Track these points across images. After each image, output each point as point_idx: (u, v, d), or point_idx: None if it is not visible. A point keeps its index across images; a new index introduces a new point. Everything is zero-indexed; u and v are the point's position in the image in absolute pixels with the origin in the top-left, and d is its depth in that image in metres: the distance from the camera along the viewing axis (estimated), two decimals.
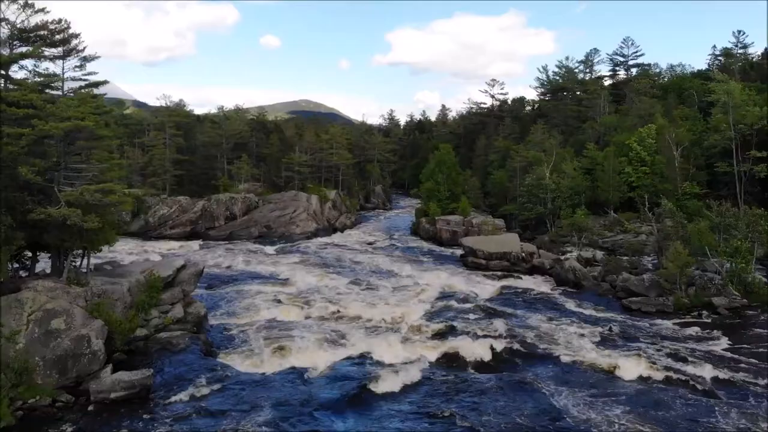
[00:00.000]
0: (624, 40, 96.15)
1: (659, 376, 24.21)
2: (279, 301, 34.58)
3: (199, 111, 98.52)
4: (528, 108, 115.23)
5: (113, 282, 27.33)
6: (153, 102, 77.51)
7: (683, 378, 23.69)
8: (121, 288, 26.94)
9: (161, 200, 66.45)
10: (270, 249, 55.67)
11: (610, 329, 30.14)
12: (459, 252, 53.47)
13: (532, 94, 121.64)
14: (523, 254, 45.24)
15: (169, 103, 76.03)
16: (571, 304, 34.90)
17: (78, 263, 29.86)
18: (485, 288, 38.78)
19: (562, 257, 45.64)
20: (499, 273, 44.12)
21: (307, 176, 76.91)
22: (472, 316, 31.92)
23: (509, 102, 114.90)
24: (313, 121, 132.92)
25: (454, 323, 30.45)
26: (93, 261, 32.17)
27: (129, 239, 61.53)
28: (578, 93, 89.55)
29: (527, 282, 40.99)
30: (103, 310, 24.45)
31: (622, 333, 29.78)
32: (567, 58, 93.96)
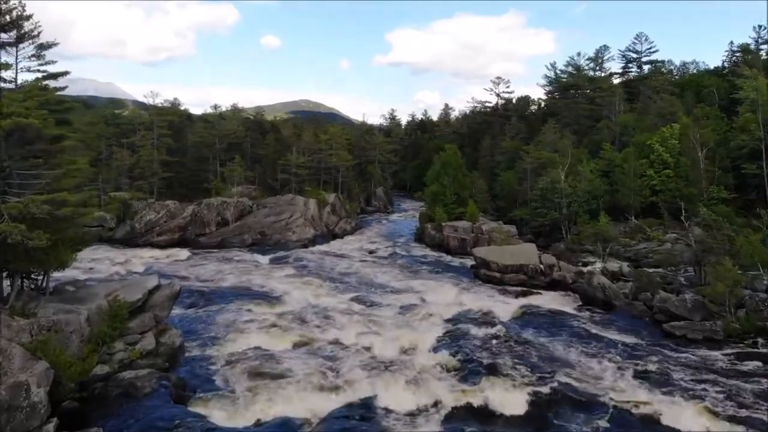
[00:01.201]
0: (637, 36, 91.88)
1: (724, 428, 19.90)
2: (269, 325, 30.13)
3: (197, 111, 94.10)
4: (533, 107, 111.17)
5: (69, 310, 22.93)
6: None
7: None
8: (77, 318, 22.57)
9: (148, 205, 62.04)
10: (263, 259, 51.26)
11: (656, 364, 25.75)
12: (469, 262, 49.08)
13: (535, 94, 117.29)
14: (542, 267, 40.87)
15: (158, 101, 71.23)
16: (603, 329, 30.48)
17: (38, 283, 25.64)
18: (503, 307, 34.33)
19: (585, 270, 41.25)
20: (516, 288, 39.73)
21: (305, 178, 72.52)
22: (493, 346, 27.49)
23: (514, 101, 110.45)
24: (313, 121, 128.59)
25: (474, 355, 26.05)
26: (65, 274, 27.92)
27: (113, 247, 57.41)
28: (589, 91, 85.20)
29: (549, 299, 36.57)
30: (50, 348, 20.05)
31: (669, 368, 25.40)
32: (579, 54, 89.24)
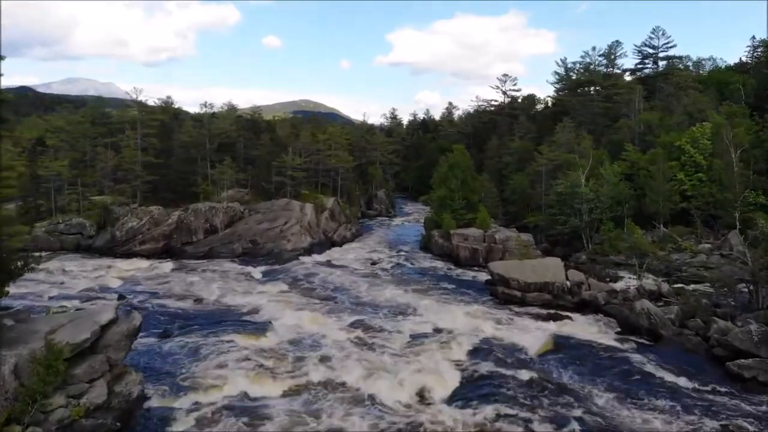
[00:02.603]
0: (654, 30, 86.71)
1: None
2: (254, 365, 25.06)
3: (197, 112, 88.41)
4: (540, 106, 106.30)
5: None
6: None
7: None
8: (0, 370, 17.55)
9: (131, 210, 56.98)
10: (254, 271, 46.24)
11: (724, 417, 20.75)
12: (482, 276, 44.09)
13: (538, 93, 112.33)
14: (569, 284, 35.85)
15: (141, 98, 66.01)
16: (653, 368, 25.41)
17: None
18: (530, 336, 29.23)
19: (618, 288, 36.23)
20: (540, 309, 34.72)
21: (302, 181, 67.44)
22: (525, 394, 22.38)
23: (519, 99, 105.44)
24: (312, 120, 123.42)
25: (503, 407, 21.03)
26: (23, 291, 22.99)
27: (91, 257, 52.44)
28: (603, 88, 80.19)
29: (582, 326, 31.50)
30: None
31: (742, 422, 20.41)
32: (594, 49, 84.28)
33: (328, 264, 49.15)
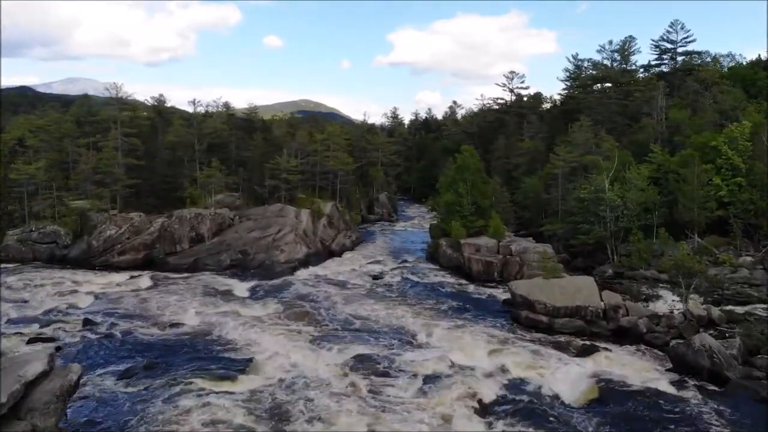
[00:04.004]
0: (672, 23, 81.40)
1: None
2: (225, 427, 20.02)
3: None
4: (546, 105, 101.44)
5: None
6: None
7: None
8: None
9: (109, 217, 51.97)
10: (241, 287, 41.28)
11: None
12: (499, 293, 39.17)
13: (544, 92, 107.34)
14: (604, 308, 30.85)
15: (121, 94, 60.76)
16: (726, 426, 20.38)
17: None
18: (565, 379, 24.15)
19: (661, 313, 31.24)
20: (571, 337, 29.76)
21: (297, 185, 62.43)
22: None
23: (525, 98, 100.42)
24: (310, 120, 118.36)
25: None
26: None
27: (63, 269, 47.47)
28: (620, 85, 75.14)
29: (626, 362, 26.42)
30: None
31: None
32: (610, 42, 79.17)
33: (325, 279, 44.09)
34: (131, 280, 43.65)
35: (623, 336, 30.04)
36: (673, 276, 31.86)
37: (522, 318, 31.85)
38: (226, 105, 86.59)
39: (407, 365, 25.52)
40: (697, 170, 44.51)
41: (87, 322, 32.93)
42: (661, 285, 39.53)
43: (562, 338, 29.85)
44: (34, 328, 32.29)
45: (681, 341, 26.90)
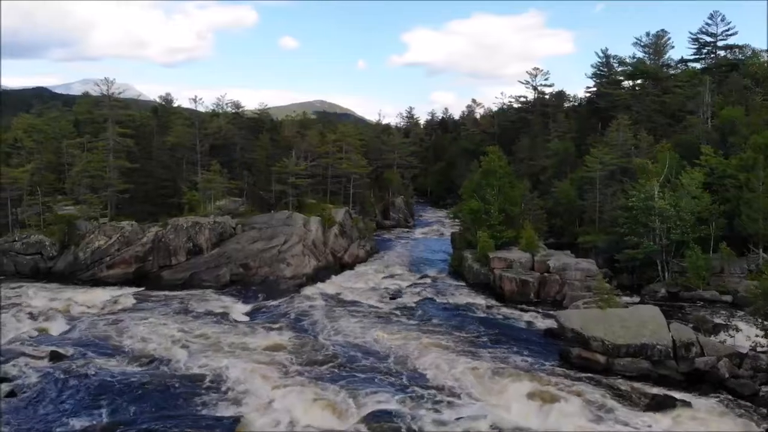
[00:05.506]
0: (712, 15, 75.29)
1: None
2: None
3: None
4: (572, 102, 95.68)
5: None
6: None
7: None
8: None
9: (98, 226, 47.03)
10: (240, 309, 36.10)
11: None
12: (538, 321, 33.63)
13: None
14: (674, 346, 25.20)
15: (112, 92, 55.60)
16: None
17: None
18: None
19: (744, 352, 25.54)
20: (636, 384, 24.14)
21: (307, 189, 57.21)
22: None
23: (547, 96, 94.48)
24: (322, 119, 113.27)
25: None
26: None
27: (47, 284, 42.61)
28: (659, 80, 69.14)
29: (711, 421, 20.78)
30: None
31: None
32: (647, 34, 73.33)
33: (336, 299, 38.78)
34: (116, 298, 38.55)
35: (699, 381, 24.44)
36: (761, 307, 26.04)
37: (573, 356, 26.23)
38: (236, 105, 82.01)
39: (437, 427, 20.06)
40: (764, 175, 38.70)
41: (54, 356, 27.88)
42: (722, 311, 34.10)
43: (624, 384, 24.21)
44: None
45: None
